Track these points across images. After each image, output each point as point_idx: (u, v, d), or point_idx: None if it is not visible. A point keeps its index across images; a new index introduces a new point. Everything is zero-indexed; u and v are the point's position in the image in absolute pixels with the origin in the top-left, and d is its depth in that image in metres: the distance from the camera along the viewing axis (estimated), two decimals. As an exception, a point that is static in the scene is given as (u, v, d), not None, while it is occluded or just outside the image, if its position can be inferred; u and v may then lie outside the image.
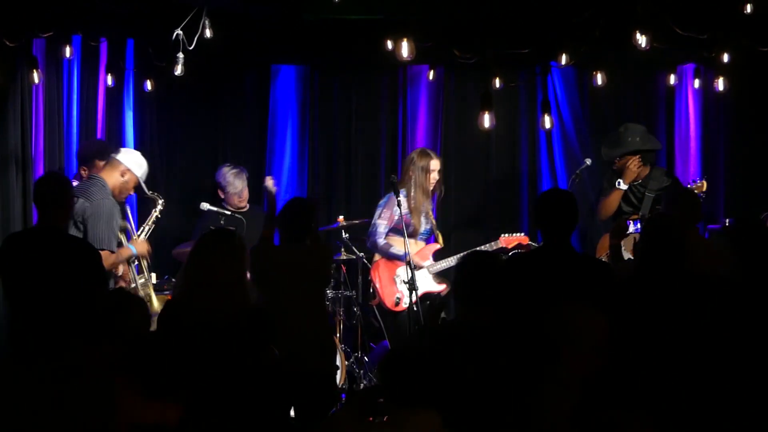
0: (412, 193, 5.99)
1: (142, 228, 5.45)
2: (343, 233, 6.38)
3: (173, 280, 5.62)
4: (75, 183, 5.06)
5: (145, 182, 5.28)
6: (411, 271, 5.49)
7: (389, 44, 5.57)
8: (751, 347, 3.47)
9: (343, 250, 6.41)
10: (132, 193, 5.30)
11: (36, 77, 5.40)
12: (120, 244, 4.97)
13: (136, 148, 6.43)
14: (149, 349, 3.17)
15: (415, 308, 5.39)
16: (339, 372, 5.95)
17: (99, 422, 2.74)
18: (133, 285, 5.14)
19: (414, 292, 5.42)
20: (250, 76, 7.09)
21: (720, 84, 6.01)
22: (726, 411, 3.36)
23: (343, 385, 5.93)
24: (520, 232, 6.19)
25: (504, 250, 6.01)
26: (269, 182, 5.45)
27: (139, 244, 5.14)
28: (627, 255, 4.88)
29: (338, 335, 6.17)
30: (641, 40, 5.11)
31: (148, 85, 6.14)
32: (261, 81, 7.08)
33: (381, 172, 7.16)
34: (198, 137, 6.95)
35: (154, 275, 5.38)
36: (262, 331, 3.56)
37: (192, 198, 6.33)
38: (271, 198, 5.09)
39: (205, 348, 3.43)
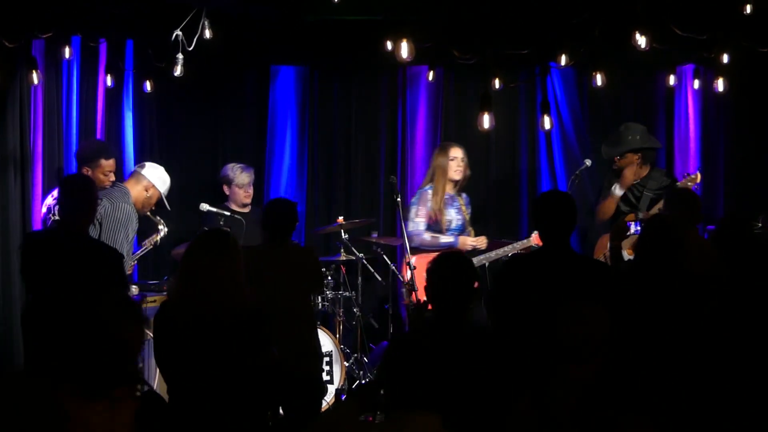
0: (438, 189, 5.99)
1: (140, 249, 5.49)
2: (343, 234, 6.38)
3: (172, 281, 5.62)
4: None
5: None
6: (411, 272, 5.49)
7: (389, 45, 5.56)
8: (743, 346, 3.47)
9: (342, 250, 6.41)
10: (153, 208, 5.34)
11: (35, 78, 5.40)
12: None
13: (135, 149, 6.45)
14: (92, 348, 3.12)
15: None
16: (338, 373, 5.95)
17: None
18: None
19: (414, 292, 5.43)
20: (249, 76, 7.09)
21: (719, 84, 6.01)
22: (724, 410, 3.36)
23: (342, 386, 5.93)
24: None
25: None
26: None
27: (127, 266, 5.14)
28: (627, 256, 4.88)
29: (338, 336, 6.17)
30: (641, 40, 5.11)
31: (148, 85, 6.13)
32: (260, 82, 7.08)
33: (380, 173, 7.16)
34: (197, 138, 6.95)
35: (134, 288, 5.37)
36: (261, 330, 3.55)
37: (191, 199, 6.32)
38: None
39: (199, 348, 3.43)
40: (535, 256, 4.06)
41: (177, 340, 3.49)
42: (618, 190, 5.96)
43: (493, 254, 5.96)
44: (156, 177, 5.27)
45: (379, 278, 6.61)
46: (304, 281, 4.60)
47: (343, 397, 5.62)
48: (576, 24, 5.67)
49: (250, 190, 6.34)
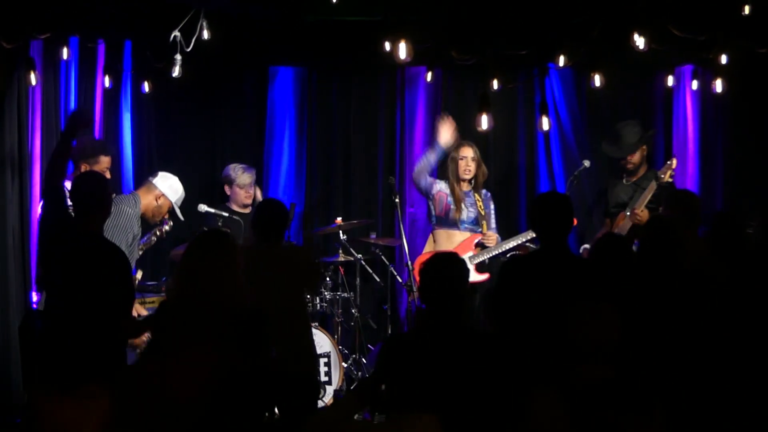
0: (453, 184, 6.00)
1: (145, 238, 5.49)
2: (341, 235, 6.38)
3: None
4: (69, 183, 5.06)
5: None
6: (410, 274, 5.50)
7: (387, 45, 5.56)
8: (742, 346, 3.49)
9: (341, 251, 6.42)
10: (166, 217, 5.33)
11: (33, 79, 5.40)
12: None
13: (133, 150, 6.45)
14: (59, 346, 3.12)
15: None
16: (336, 374, 5.96)
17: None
18: None
19: (411, 293, 5.44)
20: (248, 77, 7.09)
21: (718, 85, 6.01)
22: (725, 410, 3.37)
23: (340, 387, 5.94)
24: None
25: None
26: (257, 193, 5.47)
27: None
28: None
29: (336, 337, 6.17)
30: (639, 41, 5.12)
31: (146, 86, 6.13)
32: (259, 82, 7.08)
33: (379, 174, 7.16)
34: (196, 139, 6.95)
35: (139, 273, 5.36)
36: (260, 331, 3.55)
37: (190, 200, 6.32)
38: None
39: (198, 349, 3.43)
40: (533, 258, 4.06)
41: (175, 340, 3.49)
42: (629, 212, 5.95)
43: (494, 251, 5.96)
44: (167, 186, 5.26)
45: (378, 279, 6.63)
46: (298, 280, 4.60)
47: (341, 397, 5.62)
48: (575, 24, 5.68)
49: (251, 191, 6.34)
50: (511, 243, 5.92)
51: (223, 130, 7.04)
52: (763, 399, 3.42)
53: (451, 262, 3.45)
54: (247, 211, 6.29)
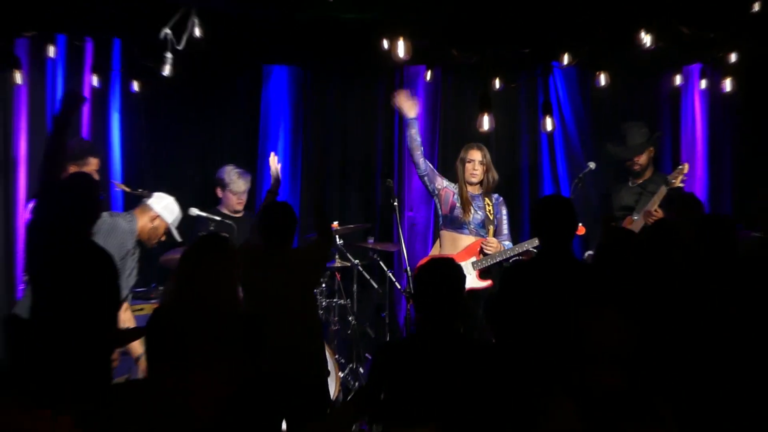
0: (461, 186, 5.98)
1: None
2: (338, 239, 6.36)
3: (160, 288, 5.60)
4: None
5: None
6: (410, 280, 5.47)
7: (385, 44, 5.55)
8: (744, 348, 3.49)
9: (337, 257, 6.39)
10: (163, 239, 5.30)
11: (19, 78, 5.38)
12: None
13: (122, 151, 6.42)
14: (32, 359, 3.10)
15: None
16: (333, 384, 5.93)
17: None
18: None
19: (410, 300, 5.42)
20: (241, 77, 7.07)
21: (727, 85, 6.01)
22: (732, 413, 3.37)
23: (337, 397, 5.91)
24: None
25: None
26: (273, 160, 5.43)
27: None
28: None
29: (333, 346, 6.15)
30: (646, 39, 5.11)
31: (135, 86, 6.11)
32: (252, 82, 7.06)
33: (376, 177, 7.14)
34: (187, 140, 6.92)
35: None
36: (255, 339, 3.54)
37: (180, 203, 6.29)
38: (274, 176, 5.20)
39: (194, 356, 3.41)
40: (536, 264, 4.04)
41: (171, 347, 3.47)
42: (638, 216, 5.92)
43: (498, 257, 5.91)
44: (162, 207, 5.23)
45: (376, 285, 6.60)
46: (310, 282, 4.59)
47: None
48: (579, 22, 5.66)
49: (244, 198, 6.30)
50: (516, 250, 5.88)
51: (215, 131, 7.01)
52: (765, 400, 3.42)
53: (447, 268, 3.42)
54: (240, 215, 6.26)
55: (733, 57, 5.78)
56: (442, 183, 6.02)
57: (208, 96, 6.93)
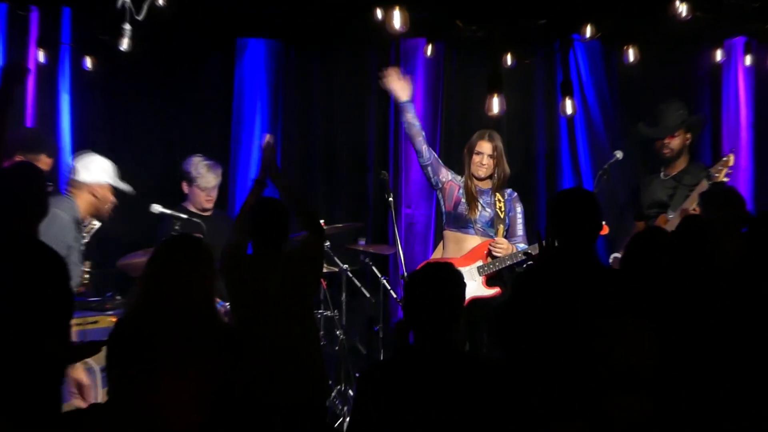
0: (467, 180, 5.96)
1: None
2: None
3: (118, 298, 5.58)
4: None
5: None
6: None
7: (379, 14, 5.54)
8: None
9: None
10: (115, 202, 5.34)
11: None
12: None
13: (73, 137, 6.43)
14: None
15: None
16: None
17: None
18: None
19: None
20: (211, 51, 7.07)
21: (776, 61, 6.02)
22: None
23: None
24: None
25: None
26: (269, 142, 5.39)
27: None
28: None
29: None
30: (681, 8, 5.11)
31: (88, 62, 6.12)
32: (225, 58, 7.06)
33: (369, 168, 7.14)
34: (148, 125, 6.90)
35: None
36: (230, 354, 3.54)
37: (141, 198, 6.28)
38: (266, 156, 5.15)
39: (164, 368, 3.41)
40: (552, 268, 4.03)
41: (138, 359, 3.47)
42: (673, 214, 5.90)
43: (507, 261, 5.90)
44: (94, 173, 5.23)
45: (368, 294, 6.59)
46: (306, 289, 4.61)
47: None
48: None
49: (214, 194, 6.26)
50: (531, 251, 5.88)
51: (181, 114, 7.01)
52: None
53: (442, 273, 3.41)
54: (208, 214, 6.23)
55: (782, 29, 5.80)
56: (447, 175, 6.00)
57: (172, 75, 6.92)
